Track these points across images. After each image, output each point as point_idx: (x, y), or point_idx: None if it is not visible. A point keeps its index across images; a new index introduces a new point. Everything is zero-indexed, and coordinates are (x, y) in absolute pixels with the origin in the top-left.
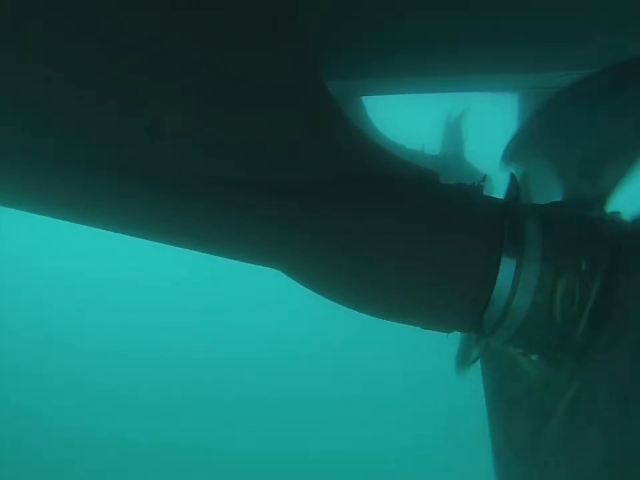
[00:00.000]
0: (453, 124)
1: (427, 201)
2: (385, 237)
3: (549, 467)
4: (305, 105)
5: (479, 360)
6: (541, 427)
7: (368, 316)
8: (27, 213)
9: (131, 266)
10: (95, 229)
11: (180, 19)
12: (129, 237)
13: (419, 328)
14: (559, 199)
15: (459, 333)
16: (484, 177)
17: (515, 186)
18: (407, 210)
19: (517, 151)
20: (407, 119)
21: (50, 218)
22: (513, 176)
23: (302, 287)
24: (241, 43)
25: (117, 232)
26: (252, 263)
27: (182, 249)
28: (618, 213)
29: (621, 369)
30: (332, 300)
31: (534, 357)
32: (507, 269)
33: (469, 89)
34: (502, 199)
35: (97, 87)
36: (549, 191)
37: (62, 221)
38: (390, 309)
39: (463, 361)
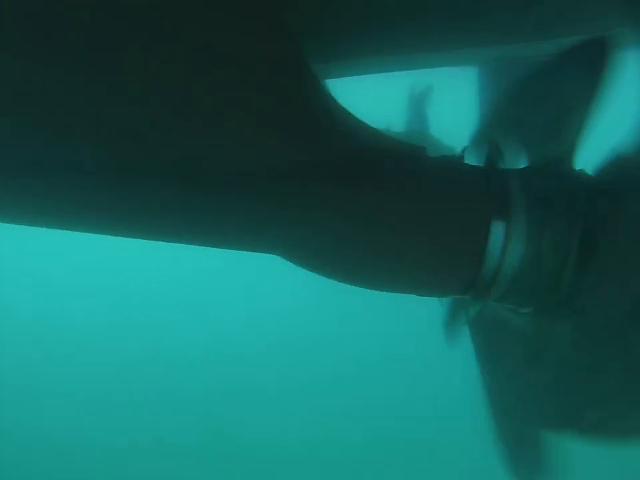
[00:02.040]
0: (417, 100)
1: (416, 173)
2: (379, 210)
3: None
4: (291, 85)
5: (467, 322)
6: (530, 371)
7: (366, 288)
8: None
9: (114, 264)
10: (79, 232)
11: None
12: (120, 237)
13: (414, 295)
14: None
15: (452, 298)
16: (464, 149)
17: (493, 153)
18: (399, 182)
19: (486, 127)
20: (365, 99)
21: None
22: (491, 143)
23: (299, 268)
24: (224, 25)
25: (109, 234)
26: (247, 250)
27: (173, 243)
28: (582, 169)
29: (601, 317)
30: (330, 277)
31: (524, 310)
32: (496, 230)
33: (428, 66)
34: (483, 166)
35: (74, 81)
36: (516, 158)
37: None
38: (387, 278)
39: (452, 324)
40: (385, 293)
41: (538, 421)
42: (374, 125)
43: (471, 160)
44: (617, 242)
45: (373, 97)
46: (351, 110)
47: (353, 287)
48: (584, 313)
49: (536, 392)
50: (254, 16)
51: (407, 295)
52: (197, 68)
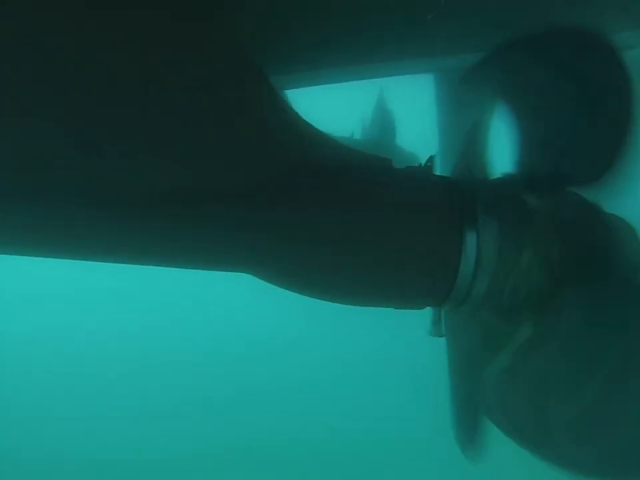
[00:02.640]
0: (379, 109)
1: (383, 187)
2: (347, 227)
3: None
4: (248, 100)
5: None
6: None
7: (341, 304)
8: None
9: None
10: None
11: (100, 20)
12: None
13: (391, 308)
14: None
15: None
16: (431, 158)
17: (462, 162)
18: (365, 197)
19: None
20: (328, 108)
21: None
22: (461, 159)
23: (270, 285)
24: (173, 39)
25: (77, 259)
26: (218, 270)
27: (145, 265)
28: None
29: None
30: (305, 294)
31: (496, 316)
32: (469, 243)
33: (385, 75)
34: (453, 177)
35: (21, 101)
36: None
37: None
38: (359, 295)
39: (435, 328)
40: (360, 307)
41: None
42: (338, 135)
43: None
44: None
45: (334, 106)
46: (312, 121)
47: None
48: (551, 317)
49: (490, 387)
50: (211, 37)
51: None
52: (147, 86)
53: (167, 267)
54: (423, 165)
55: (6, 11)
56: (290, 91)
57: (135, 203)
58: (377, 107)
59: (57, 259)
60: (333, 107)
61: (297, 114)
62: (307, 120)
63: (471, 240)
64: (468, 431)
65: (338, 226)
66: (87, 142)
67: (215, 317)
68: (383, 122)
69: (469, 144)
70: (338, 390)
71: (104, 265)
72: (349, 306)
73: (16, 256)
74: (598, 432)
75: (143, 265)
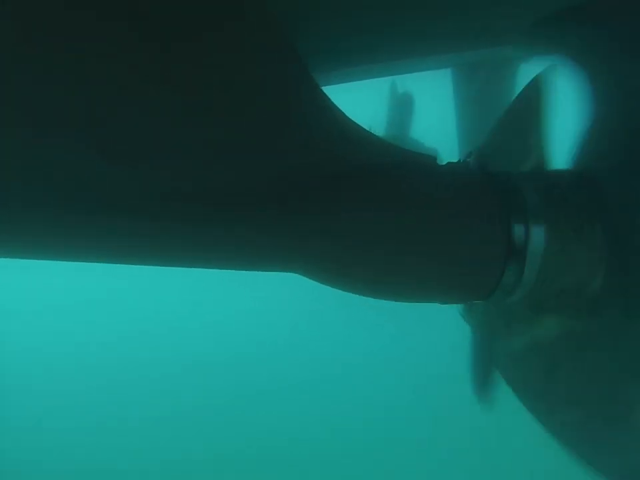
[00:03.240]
0: (397, 104)
1: (429, 183)
2: (395, 225)
3: (560, 411)
4: (290, 96)
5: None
6: (551, 376)
7: (390, 301)
8: None
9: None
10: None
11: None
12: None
13: (437, 303)
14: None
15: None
16: (469, 153)
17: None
18: (412, 195)
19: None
20: (344, 103)
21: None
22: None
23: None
24: (203, 42)
25: (120, 263)
26: (271, 270)
27: (199, 268)
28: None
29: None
30: (354, 293)
31: (543, 314)
32: (517, 237)
33: (402, 72)
34: (492, 172)
35: (37, 108)
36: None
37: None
38: (410, 293)
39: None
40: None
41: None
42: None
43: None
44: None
45: (352, 103)
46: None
47: (377, 299)
48: (600, 313)
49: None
50: (247, 34)
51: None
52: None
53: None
54: (462, 160)
55: (11, 12)
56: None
57: (161, 205)
58: (395, 103)
59: (71, 262)
60: (350, 104)
61: (339, 111)
62: (350, 118)
63: (518, 234)
64: (482, 379)
65: (387, 225)
66: (106, 144)
67: (214, 319)
68: (401, 118)
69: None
70: (339, 390)
71: (100, 271)
72: (395, 302)
73: (18, 260)
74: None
75: (175, 267)
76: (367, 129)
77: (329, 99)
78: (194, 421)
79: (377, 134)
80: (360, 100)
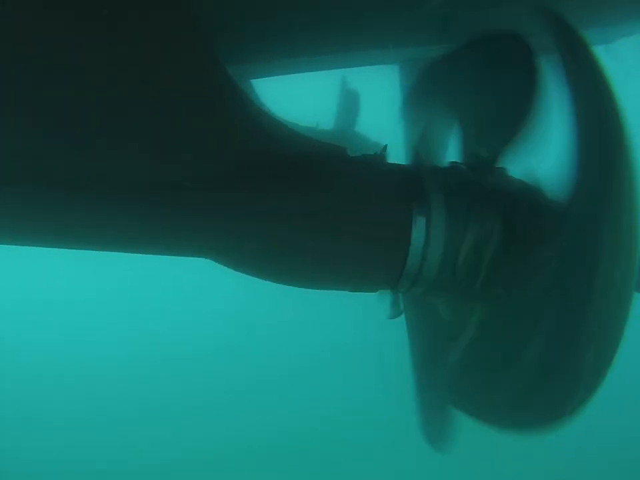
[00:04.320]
0: (344, 98)
1: (337, 172)
2: (302, 211)
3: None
4: (206, 89)
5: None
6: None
7: (298, 288)
8: None
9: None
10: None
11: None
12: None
13: (346, 291)
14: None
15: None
16: (385, 147)
17: (414, 152)
18: (319, 184)
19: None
20: (293, 98)
21: None
22: (411, 143)
23: (231, 271)
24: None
25: (46, 246)
26: (180, 255)
27: (106, 252)
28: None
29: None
30: (262, 279)
31: (445, 301)
32: (418, 223)
33: (352, 65)
34: (404, 165)
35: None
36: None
37: None
38: (316, 278)
39: (393, 310)
40: (318, 290)
41: (449, 394)
42: (299, 125)
43: (392, 158)
44: (529, 233)
45: (300, 96)
46: (279, 110)
47: (286, 286)
48: (499, 300)
49: (451, 371)
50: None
51: (339, 291)
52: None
53: (126, 251)
54: (377, 153)
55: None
56: (258, 80)
57: (117, 191)
58: (342, 97)
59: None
60: (299, 96)
61: (255, 103)
62: (267, 109)
63: (420, 220)
64: (435, 423)
65: (293, 210)
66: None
67: (204, 313)
68: (348, 112)
69: (420, 142)
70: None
71: (93, 268)
72: (304, 289)
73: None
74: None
75: (108, 250)
76: (309, 122)
77: (246, 92)
78: (187, 417)
79: (323, 127)
80: (310, 93)
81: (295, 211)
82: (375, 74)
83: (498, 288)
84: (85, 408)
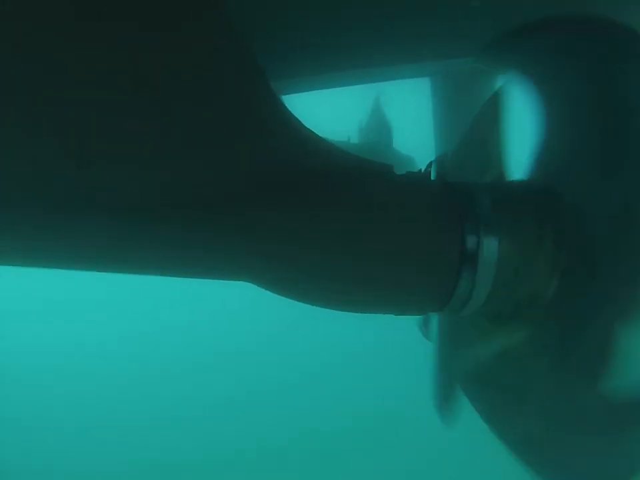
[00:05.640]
0: (376, 112)
1: (383, 191)
2: (345, 232)
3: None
4: (247, 106)
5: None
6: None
7: (340, 311)
8: None
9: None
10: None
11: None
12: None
13: (392, 315)
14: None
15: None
16: (430, 163)
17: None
18: (367, 204)
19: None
20: (324, 112)
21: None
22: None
23: (273, 294)
24: (162, 43)
25: (75, 269)
26: (222, 279)
27: (144, 275)
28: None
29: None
30: (302, 301)
31: (499, 325)
32: (470, 246)
33: (381, 79)
34: (451, 182)
35: (13, 116)
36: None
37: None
38: (361, 302)
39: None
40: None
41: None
42: (336, 140)
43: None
44: (582, 248)
45: (331, 110)
46: (310, 125)
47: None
48: (554, 321)
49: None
50: (206, 40)
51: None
52: (153, 95)
53: (162, 275)
54: (422, 170)
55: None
56: (287, 96)
57: (126, 212)
58: (374, 111)
59: (48, 269)
60: (330, 111)
61: (296, 118)
62: (306, 125)
63: (471, 244)
64: (444, 398)
65: (336, 231)
66: (80, 153)
67: (209, 321)
68: (380, 126)
69: (470, 142)
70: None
71: (99, 276)
72: (348, 312)
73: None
74: None
75: (139, 274)
76: (340, 136)
77: (286, 106)
78: (190, 419)
79: (354, 141)
80: (341, 108)
81: (337, 232)
82: (406, 87)
83: (549, 307)
84: (87, 412)
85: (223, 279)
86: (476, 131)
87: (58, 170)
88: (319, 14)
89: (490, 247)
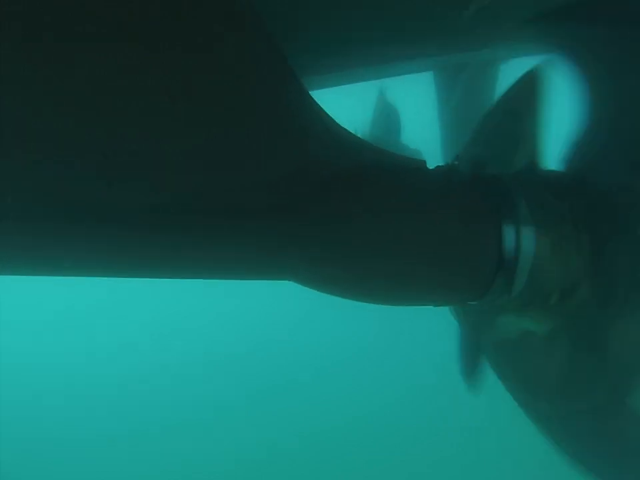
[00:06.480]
0: (383, 107)
1: (419, 187)
2: (387, 228)
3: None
4: (281, 105)
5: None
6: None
7: (384, 305)
8: None
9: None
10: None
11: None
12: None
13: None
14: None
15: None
16: (457, 157)
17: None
18: (405, 198)
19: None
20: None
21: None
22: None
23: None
24: (194, 48)
25: (123, 277)
26: (265, 279)
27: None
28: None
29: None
30: (347, 298)
31: (532, 312)
32: (508, 238)
33: (387, 75)
34: (481, 174)
35: (43, 130)
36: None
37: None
38: (403, 296)
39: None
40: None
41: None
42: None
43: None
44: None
45: (338, 106)
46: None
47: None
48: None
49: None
50: (238, 43)
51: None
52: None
53: (197, 278)
54: (451, 164)
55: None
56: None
57: (160, 217)
58: (380, 106)
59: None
60: (336, 107)
61: (329, 116)
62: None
63: (509, 238)
64: (470, 366)
65: (379, 229)
66: (107, 167)
67: (211, 321)
68: (386, 121)
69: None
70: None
71: (98, 280)
72: (390, 306)
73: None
74: None
75: (180, 278)
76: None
77: (319, 105)
78: (193, 422)
79: (363, 136)
80: (346, 104)
81: (379, 229)
82: (412, 82)
83: (584, 305)
84: (94, 418)
85: (262, 280)
86: (504, 113)
87: (88, 191)
88: (327, 13)
89: (527, 240)
